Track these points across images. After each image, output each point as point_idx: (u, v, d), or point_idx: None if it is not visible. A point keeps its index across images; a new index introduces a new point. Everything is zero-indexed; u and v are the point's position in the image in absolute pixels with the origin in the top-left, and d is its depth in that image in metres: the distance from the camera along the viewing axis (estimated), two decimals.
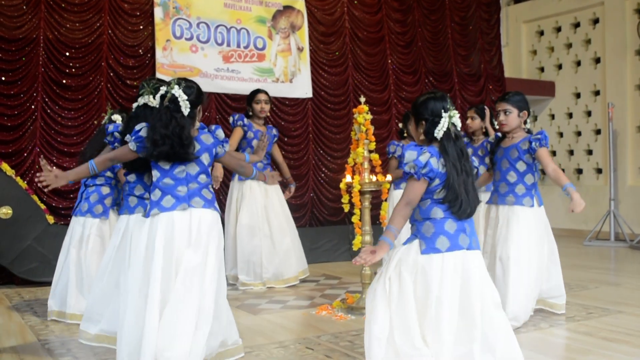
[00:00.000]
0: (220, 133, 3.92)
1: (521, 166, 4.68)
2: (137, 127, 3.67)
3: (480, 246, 3.38)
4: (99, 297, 4.18)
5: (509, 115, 4.61)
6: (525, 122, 4.68)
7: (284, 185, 6.89)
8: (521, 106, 4.62)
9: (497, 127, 4.94)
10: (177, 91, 3.61)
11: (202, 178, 3.73)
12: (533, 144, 4.55)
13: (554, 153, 11.26)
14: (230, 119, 6.55)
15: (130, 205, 4.21)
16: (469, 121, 6.13)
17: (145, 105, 4.07)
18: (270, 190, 6.51)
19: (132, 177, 4.26)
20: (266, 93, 6.61)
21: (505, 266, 4.53)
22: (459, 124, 3.32)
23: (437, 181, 3.22)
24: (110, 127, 4.36)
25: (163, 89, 3.66)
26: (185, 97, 3.63)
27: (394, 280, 3.21)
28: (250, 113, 6.55)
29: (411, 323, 3.13)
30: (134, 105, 4.17)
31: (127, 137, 3.71)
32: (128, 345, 3.43)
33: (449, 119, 3.26)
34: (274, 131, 6.75)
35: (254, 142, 6.43)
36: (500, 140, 4.85)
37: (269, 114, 6.84)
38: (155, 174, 3.65)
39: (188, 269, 3.49)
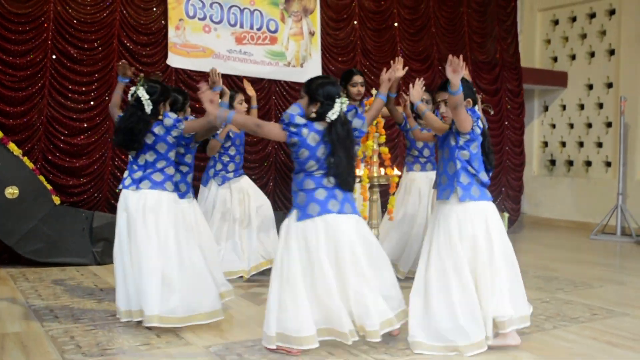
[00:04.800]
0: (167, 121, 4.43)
1: (446, 154, 4.14)
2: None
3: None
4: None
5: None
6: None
7: None
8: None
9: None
10: None
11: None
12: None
13: (563, 144, 11.18)
14: None
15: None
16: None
17: None
18: None
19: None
20: (361, 74, 6.30)
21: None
22: (345, 110, 3.81)
23: (305, 152, 3.72)
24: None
25: None
26: None
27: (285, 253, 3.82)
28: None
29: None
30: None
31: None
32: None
33: (341, 105, 3.76)
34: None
35: None
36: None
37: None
38: None
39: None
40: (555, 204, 11.11)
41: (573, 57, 11.06)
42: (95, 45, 7.15)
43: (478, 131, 3.97)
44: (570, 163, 11.12)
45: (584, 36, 10.91)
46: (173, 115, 4.42)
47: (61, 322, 4.44)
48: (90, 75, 7.11)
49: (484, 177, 4.05)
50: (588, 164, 10.85)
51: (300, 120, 3.71)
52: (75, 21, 7.04)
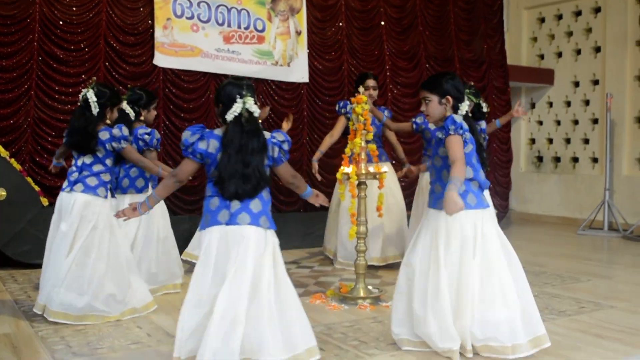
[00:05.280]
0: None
1: (437, 162, 4.00)
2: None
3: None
4: None
5: (429, 104, 3.89)
6: (456, 108, 3.86)
7: (400, 166, 6.82)
8: (442, 91, 3.85)
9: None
10: None
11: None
12: (438, 133, 3.89)
13: (550, 141, 11.24)
14: (336, 107, 6.45)
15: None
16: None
17: None
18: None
19: None
20: (375, 78, 6.39)
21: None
22: (254, 110, 3.48)
23: (208, 161, 3.48)
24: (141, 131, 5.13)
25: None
26: None
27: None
28: None
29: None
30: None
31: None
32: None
33: (243, 105, 3.45)
34: (386, 112, 6.54)
35: None
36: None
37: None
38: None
39: None
40: (543, 200, 11.19)
41: (559, 55, 11.13)
42: (82, 46, 7.14)
43: (468, 136, 3.82)
44: (557, 159, 11.19)
45: (570, 34, 10.98)
46: (125, 132, 4.60)
47: (50, 323, 4.43)
48: (77, 77, 7.10)
49: (482, 176, 3.91)
50: (575, 160, 10.92)
51: (193, 138, 3.48)
52: (61, 22, 7.02)
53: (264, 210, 3.49)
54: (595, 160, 10.61)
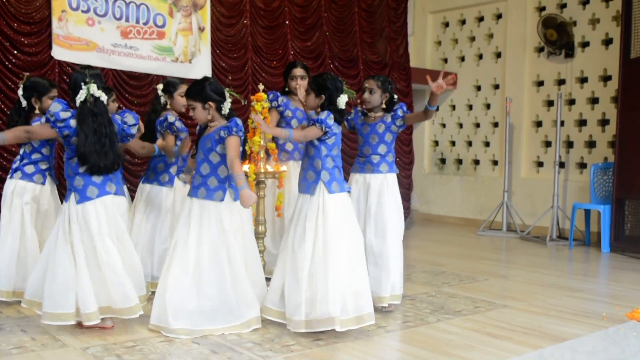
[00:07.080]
0: None
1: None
2: None
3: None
4: None
5: (194, 110, 4.31)
6: (220, 110, 4.31)
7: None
8: (204, 97, 4.24)
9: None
10: None
11: None
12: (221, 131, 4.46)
13: (453, 143, 11.46)
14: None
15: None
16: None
17: None
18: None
19: None
20: (304, 67, 5.90)
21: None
22: (98, 94, 4.01)
23: (76, 140, 4.00)
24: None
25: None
26: None
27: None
28: (287, 89, 5.88)
29: None
30: None
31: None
32: None
33: (87, 90, 3.99)
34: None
35: (294, 122, 5.74)
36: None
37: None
38: None
39: None
40: (445, 201, 11.40)
41: (462, 59, 11.36)
42: None
43: (240, 134, 4.24)
44: (459, 161, 11.41)
45: (472, 39, 11.21)
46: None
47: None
48: None
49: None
50: (476, 162, 11.16)
51: (65, 114, 4.00)
52: None
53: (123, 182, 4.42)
54: (495, 162, 10.88)
